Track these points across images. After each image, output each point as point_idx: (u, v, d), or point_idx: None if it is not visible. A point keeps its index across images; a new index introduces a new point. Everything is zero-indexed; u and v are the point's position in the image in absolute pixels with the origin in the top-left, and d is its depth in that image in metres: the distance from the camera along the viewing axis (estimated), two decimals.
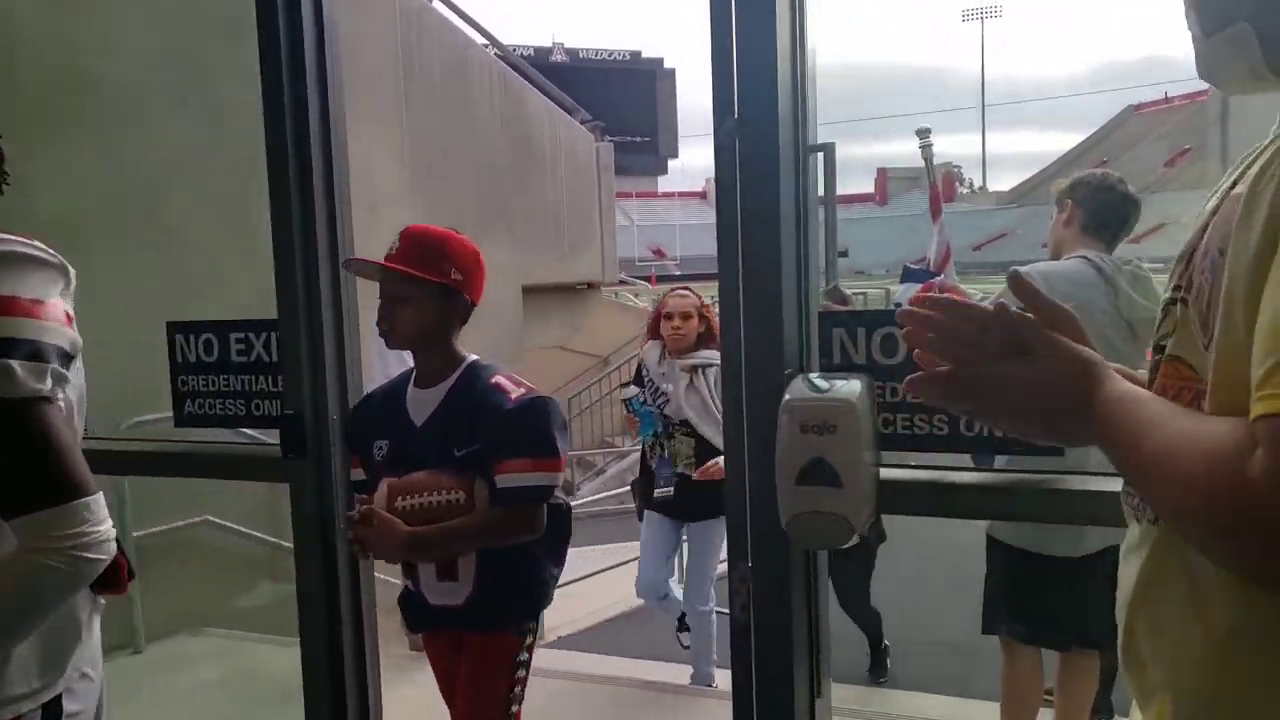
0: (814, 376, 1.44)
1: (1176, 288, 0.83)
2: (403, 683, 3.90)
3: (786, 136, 1.46)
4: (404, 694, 3.74)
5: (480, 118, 6.03)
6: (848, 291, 2.60)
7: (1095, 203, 2.71)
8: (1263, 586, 0.68)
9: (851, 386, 1.37)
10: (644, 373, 3.96)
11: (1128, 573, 0.86)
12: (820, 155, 1.90)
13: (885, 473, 1.43)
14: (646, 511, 4.04)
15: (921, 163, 4.95)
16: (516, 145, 6.41)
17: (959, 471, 1.53)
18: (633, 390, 3.92)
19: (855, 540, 1.35)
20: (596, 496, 8.86)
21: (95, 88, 3.96)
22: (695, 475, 3.74)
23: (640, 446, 4.10)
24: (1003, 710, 2.89)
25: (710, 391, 3.70)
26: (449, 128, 5.74)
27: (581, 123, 8.11)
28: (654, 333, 3.97)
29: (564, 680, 4.21)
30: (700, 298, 3.87)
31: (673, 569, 4.26)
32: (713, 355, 3.64)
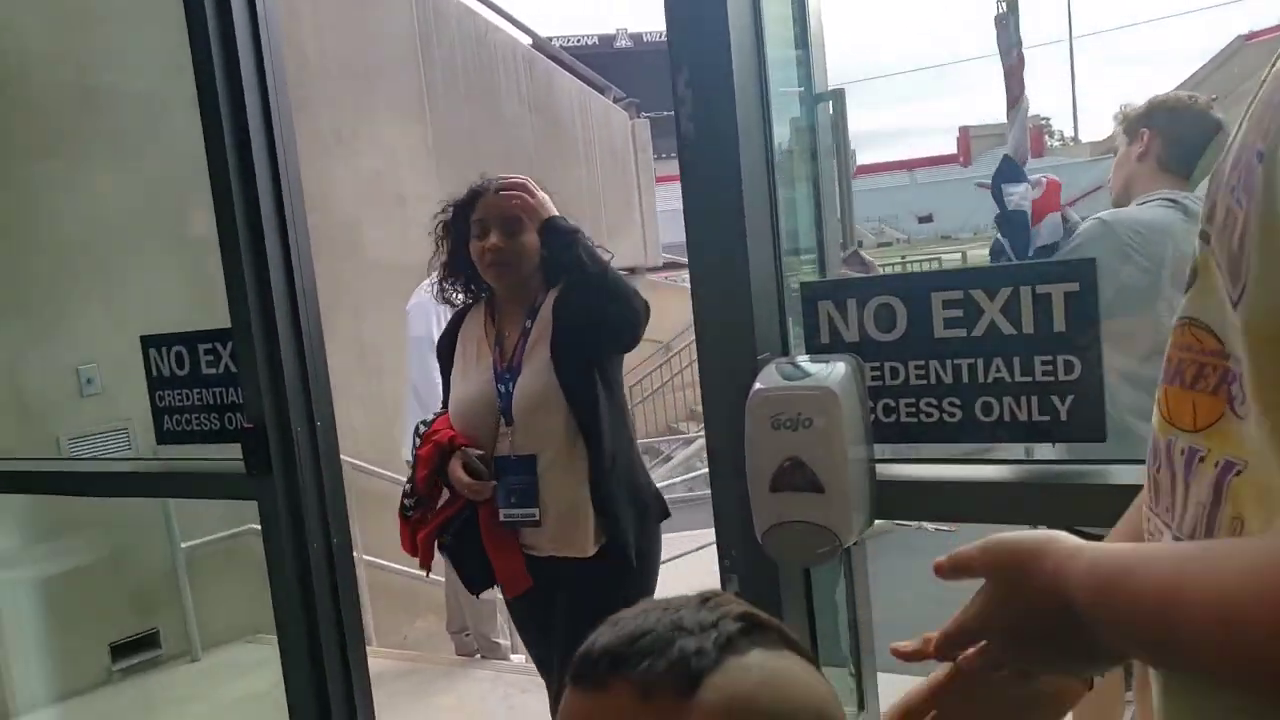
0: (793, 360, 1.24)
1: (1206, 217, 0.59)
2: (442, 691, 3.81)
3: (746, 88, 1.26)
4: (442, 704, 3.64)
5: (507, 103, 5.88)
6: (869, 257, 2.29)
7: (1179, 129, 2.23)
8: None
9: (833, 370, 1.17)
10: None
11: None
12: (830, 104, 1.69)
13: (884, 470, 1.23)
14: None
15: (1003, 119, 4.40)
16: (547, 129, 6.24)
17: (982, 465, 1.30)
18: None
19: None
20: (664, 483, 8.68)
21: (111, 103, 3.91)
22: None
23: None
24: None
25: None
26: (475, 115, 5.60)
27: (615, 100, 7.89)
28: None
29: None
30: None
31: None
32: None
